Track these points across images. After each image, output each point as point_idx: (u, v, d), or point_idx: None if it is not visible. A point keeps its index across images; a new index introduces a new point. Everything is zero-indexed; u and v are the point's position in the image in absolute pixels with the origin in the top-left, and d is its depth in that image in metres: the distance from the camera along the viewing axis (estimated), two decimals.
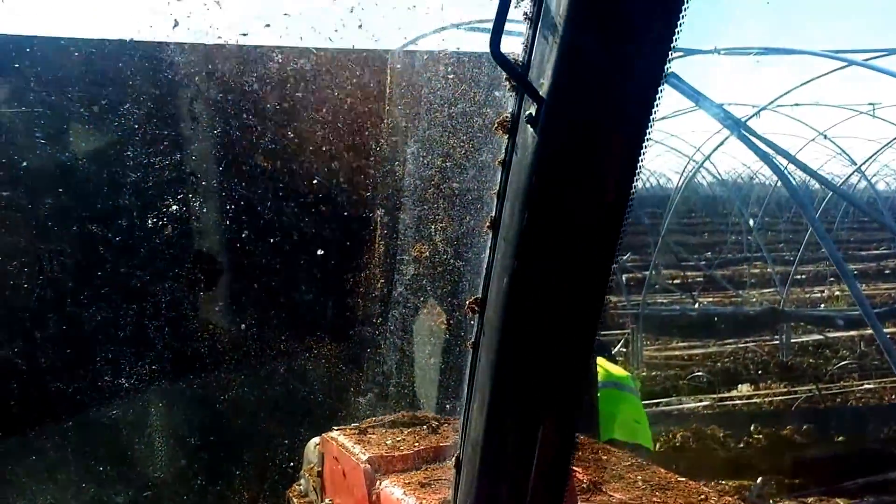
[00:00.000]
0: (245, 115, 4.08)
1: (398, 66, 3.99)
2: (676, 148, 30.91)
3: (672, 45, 1.83)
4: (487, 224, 2.37)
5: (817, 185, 29.50)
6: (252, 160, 4.06)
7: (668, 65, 1.86)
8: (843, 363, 17.92)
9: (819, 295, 25.22)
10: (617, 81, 1.87)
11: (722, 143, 21.51)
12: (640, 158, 2.01)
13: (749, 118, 18.44)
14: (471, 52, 3.71)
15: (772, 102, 19.52)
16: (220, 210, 4.03)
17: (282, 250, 4.10)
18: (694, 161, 26.27)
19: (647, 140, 1.99)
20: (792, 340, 19.15)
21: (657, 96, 1.91)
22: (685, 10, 1.76)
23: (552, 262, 2.19)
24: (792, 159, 13.88)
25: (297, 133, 4.07)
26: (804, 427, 13.42)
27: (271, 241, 4.09)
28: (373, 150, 3.96)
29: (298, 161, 4.09)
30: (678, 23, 1.79)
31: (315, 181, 4.07)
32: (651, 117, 1.94)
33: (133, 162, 3.97)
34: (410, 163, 3.71)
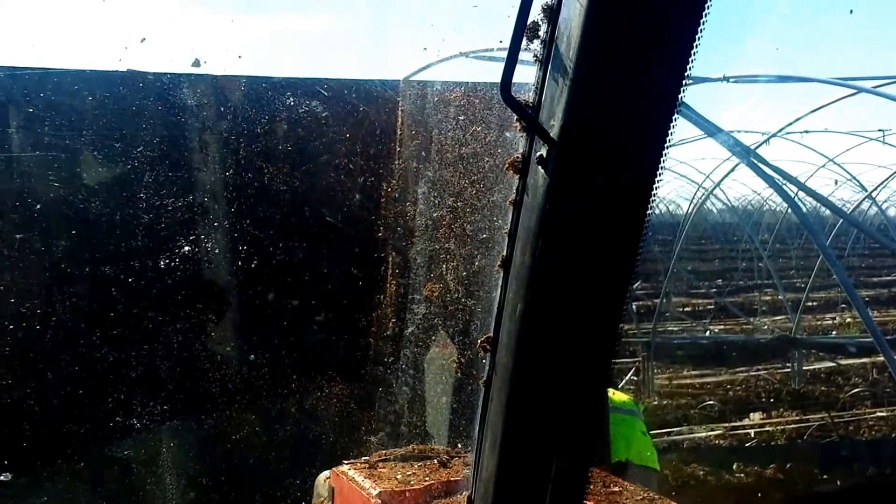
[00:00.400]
0: (255, 153, 4.09)
1: (407, 99, 4.00)
2: (686, 175, 30.89)
3: (684, 85, 1.83)
4: (499, 263, 2.37)
5: (828, 212, 29.44)
6: (263, 199, 4.06)
7: (679, 105, 1.87)
8: (855, 391, 17.77)
9: (831, 322, 25.06)
10: (629, 122, 1.87)
11: (732, 171, 21.51)
12: (651, 197, 2.01)
13: (759, 145, 18.43)
14: (483, 83, 3.71)
15: (781, 130, 19.51)
16: (232, 250, 4.04)
17: (294, 290, 4.09)
18: (704, 188, 26.23)
19: (659, 178, 1.99)
20: (804, 368, 19.01)
21: (669, 136, 1.91)
22: (696, 51, 1.77)
23: (564, 302, 2.18)
24: (802, 186, 13.88)
25: (310, 171, 4.08)
26: (787, 465, 13.11)
27: (283, 280, 4.09)
28: (384, 188, 3.97)
29: (310, 199, 4.10)
30: (689, 63, 1.80)
31: (327, 219, 4.07)
32: (663, 156, 1.94)
33: (146, 203, 3.98)
34: (422, 202, 3.72)
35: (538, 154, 1.98)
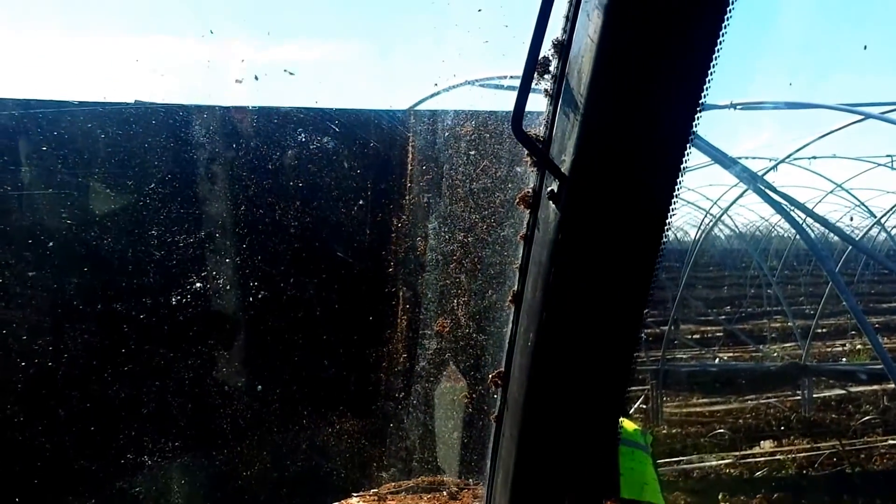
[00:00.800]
0: (264, 186, 4.09)
1: (417, 131, 4.00)
2: (693, 202, 30.91)
3: (697, 118, 1.82)
4: (510, 298, 2.36)
5: (837, 238, 29.39)
6: (273, 234, 4.06)
7: (692, 137, 1.86)
8: (866, 418, 17.67)
9: (841, 349, 24.96)
10: (641, 156, 1.86)
11: (740, 197, 21.51)
12: (665, 231, 2.00)
13: (766, 172, 18.45)
14: (494, 112, 3.71)
15: (789, 156, 19.51)
16: (242, 286, 4.03)
17: (304, 325, 4.08)
18: (711, 215, 26.23)
19: (672, 212, 1.98)
20: (814, 395, 18.91)
21: (682, 169, 1.91)
22: (709, 83, 1.76)
23: (577, 336, 2.17)
24: (810, 213, 13.83)
25: (320, 206, 4.08)
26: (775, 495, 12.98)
27: (293, 316, 4.08)
28: (395, 224, 3.98)
29: (320, 234, 4.10)
30: (703, 96, 1.79)
31: (338, 254, 4.08)
32: (676, 190, 1.94)
33: (156, 240, 3.98)
34: (432, 237, 3.72)
35: (549, 189, 1.98)
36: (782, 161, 19.43)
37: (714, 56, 1.71)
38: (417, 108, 7.62)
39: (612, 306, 2.10)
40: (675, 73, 1.74)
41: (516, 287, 2.32)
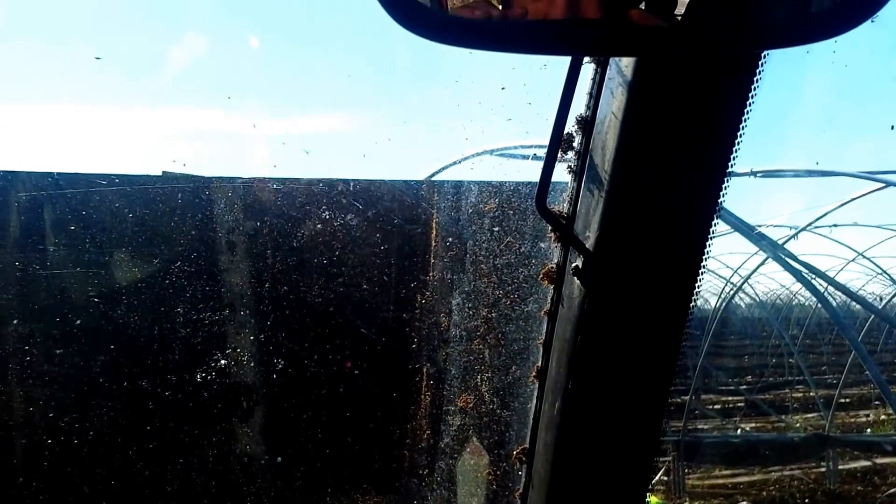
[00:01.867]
0: (288, 262, 4.10)
1: (440, 205, 4.01)
2: (714, 270, 30.79)
3: (724, 191, 1.81)
4: (534, 374, 2.34)
5: (859, 307, 29.19)
6: (297, 310, 4.06)
7: (719, 211, 1.85)
8: (892, 490, 17.36)
9: (865, 419, 24.63)
10: (667, 232, 1.86)
11: (760, 265, 21.44)
12: (692, 305, 1.98)
13: (787, 240, 18.39)
14: (516, 184, 3.71)
15: (810, 224, 19.48)
16: (266, 362, 4.03)
17: (328, 402, 4.06)
18: (732, 283, 26.14)
19: (699, 286, 1.96)
20: (839, 467, 18.62)
21: (708, 243, 1.89)
22: (736, 155, 1.75)
23: (602, 412, 2.14)
24: (831, 281, 13.80)
25: (341, 278, 4.08)
26: None
27: (317, 393, 4.06)
28: (417, 299, 3.97)
29: (342, 309, 4.09)
30: (729, 168, 1.78)
31: (361, 330, 4.07)
32: (703, 264, 1.92)
33: (182, 317, 3.99)
34: (456, 313, 3.71)
35: (574, 265, 1.97)
36: (803, 229, 19.40)
37: (740, 131, 1.71)
38: (437, 176, 7.62)
39: (639, 380, 2.07)
40: (701, 149, 1.74)
41: (540, 363, 2.30)
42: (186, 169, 4.42)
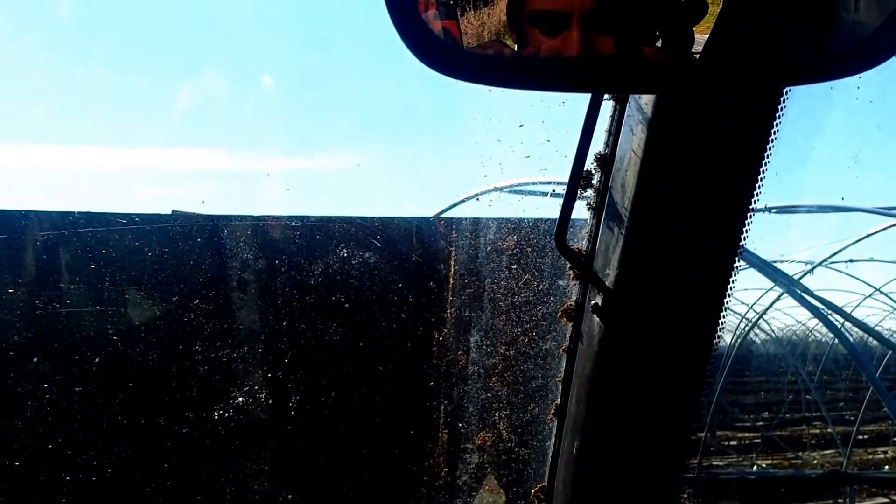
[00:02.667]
0: (304, 300, 4.10)
1: (458, 243, 4.01)
2: (728, 306, 30.62)
3: (745, 233, 1.80)
4: (552, 411, 2.32)
5: (876, 342, 29.02)
6: (314, 348, 4.06)
7: (741, 249, 1.84)
8: None
9: (883, 456, 24.34)
10: (689, 270, 1.84)
11: (776, 301, 21.32)
12: (713, 345, 1.97)
13: (803, 276, 18.32)
14: (535, 220, 3.69)
15: (826, 260, 19.42)
16: (283, 399, 4.02)
17: (345, 441, 4.05)
18: (747, 319, 26.00)
19: (722, 324, 1.95)
20: None
21: (731, 281, 1.88)
22: (757, 198, 1.74)
23: (622, 450, 2.13)
24: (848, 317, 13.71)
25: (361, 320, 4.08)
26: None
27: (335, 431, 4.05)
28: (436, 336, 3.96)
29: (358, 346, 4.09)
30: (752, 206, 1.77)
31: (378, 368, 4.06)
32: (725, 304, 1.91)
33: (200, 355, 4.00)
34: (474, 351, 3.70)
35: (593, 302, 1.96)
36: (819, 265, 19.33)
37: (762, 168, 1.70)
38: (452, 212, 7.61)
39: (660, 419, 2.06)
40: (724, 187, 1.73)
41: (559, 400, 2.28)
42: (203, 208, 4.44)
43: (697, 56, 1.38)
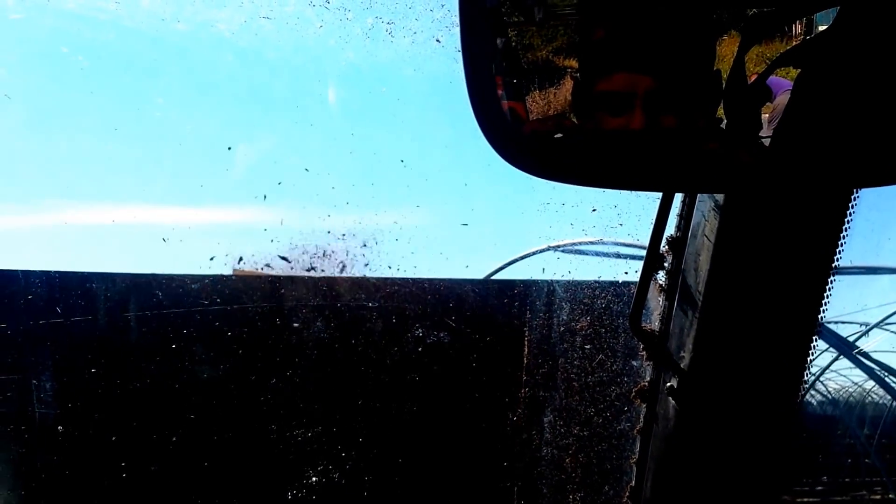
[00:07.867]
0: (362, 361, 4.13)
1: (525, 305, 4.00)
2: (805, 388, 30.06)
3: (822, 314, 1.79)
4: (627, 494, 2.30)
5: None
6: (374, 417, 4.08)
7: (818, 332, 1.83)
8: None
9: None
10: (765, 353, 1.83)
11: (832, 363, 20.88)
12: (790, 429, 1.95)
13: (858, 337, 17.94)
14: (599, 283, 3.68)
15: (881, 322, 19.03)
16: (343, 470, 4.04)
17: None
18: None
19: (798, 408, 1.93)
20: None
21: (808, 364, 1.87)
22: (831, 288, 1.74)
23: None
24: None
25: (431, 397, 4.09)
26: None
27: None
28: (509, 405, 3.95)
29: (432, 424, 4.11)
30: (826, 292, 1.76)
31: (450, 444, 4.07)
32: (802, 386, 1.90)
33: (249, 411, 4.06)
34: (547, 430, 3.69)
35: (668, 384, 1.95)
36: (875, 326, 18.94)
37: (835, 261, 1.69)
38: (503, 272, 7.54)
39: (738, 500, 2.03)
40: (797, 276, 1.73)
41: (633, 482, 2.27)
42: (258, 268, 4.53)
43: (765, 142, 1.37)
